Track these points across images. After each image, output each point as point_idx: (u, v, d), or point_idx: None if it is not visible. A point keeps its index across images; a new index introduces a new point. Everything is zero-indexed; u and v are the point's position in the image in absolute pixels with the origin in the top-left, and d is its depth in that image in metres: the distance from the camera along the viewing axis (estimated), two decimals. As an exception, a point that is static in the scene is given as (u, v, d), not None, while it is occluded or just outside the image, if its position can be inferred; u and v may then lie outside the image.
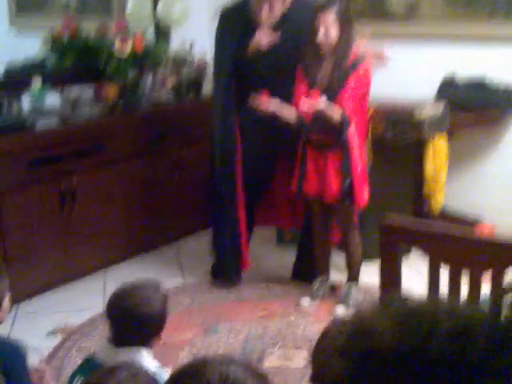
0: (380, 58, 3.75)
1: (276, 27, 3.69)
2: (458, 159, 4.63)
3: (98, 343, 3.30)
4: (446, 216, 4.58)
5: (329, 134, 3.57)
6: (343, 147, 3.54)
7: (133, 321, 2.24)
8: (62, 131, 4.04)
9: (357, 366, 0.98)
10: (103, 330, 3.35)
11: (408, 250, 3.77)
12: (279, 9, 3.66)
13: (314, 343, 1.64)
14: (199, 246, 4.69)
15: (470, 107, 4.42)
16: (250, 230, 4.12)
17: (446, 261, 2.17)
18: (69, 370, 3.03)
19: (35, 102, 4.16)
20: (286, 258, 4.32)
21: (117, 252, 4.38)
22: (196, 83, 4.85)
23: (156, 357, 2.29)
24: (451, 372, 0.92)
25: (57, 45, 4.78)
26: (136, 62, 4.59)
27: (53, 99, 4.25)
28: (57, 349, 3.46)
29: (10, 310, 2.65)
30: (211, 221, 4.17)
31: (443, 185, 4.27)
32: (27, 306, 3.89)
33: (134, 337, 2.25)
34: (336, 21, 3.46)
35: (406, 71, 4.69)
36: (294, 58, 3.62)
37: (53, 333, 3.59)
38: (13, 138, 3.84)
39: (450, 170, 4.39)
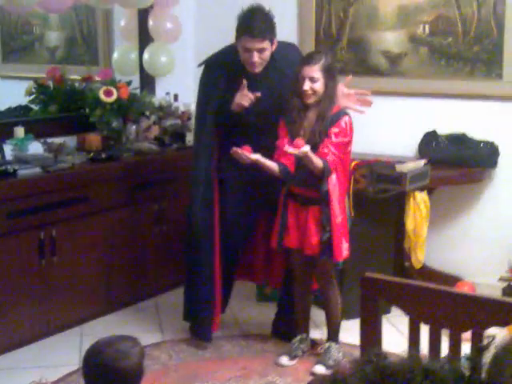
0: (363, 101, 3.76)
1: (262, 74, 3.73)
2: (440, 215, 4.65)
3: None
4: (426, 272, 4.59)
5: (311, 187, 3.58)
6: (324, 199, 3.55)
7: (109, 375, 2.20)
8: (43, 180, 4.02)
9: None
10: (79, 385, 3.29)
11: (389, 308, 3.77)
12: (267, 56, 3.69)
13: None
14: (178, 301, 4.63)
15: (452, 164, 4.47)
16: (229, 285, 4.10)
17: (426, 321, 2.17)
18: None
19: (18, 150, 4.15)
20: (265, 315, 4.29)
21: (95, 306, 4.33)
22: (180, 134, 4.87)
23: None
24: None
25: (42, 92, 4.81)
26: (120, 111, 4.61)
27: (35, 148, 4.24)
28: (32, 405, 3.38)
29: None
30: (186, 274, 4.11)
31: (424, 240, 4.29)
32: (2, 362, 3.82)
33: (110, 392, 2.21)
34: (321, 74, 3.50)
35: (388, 126, 4.76)
36: (280, 105, 3.65)
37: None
38: (-6, 186, 3.82)
39: (432, 227, 4.42)
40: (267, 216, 3.92)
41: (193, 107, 5.07)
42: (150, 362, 3.79)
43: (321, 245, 3.58)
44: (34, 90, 4.80)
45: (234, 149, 3.51)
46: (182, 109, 5.04)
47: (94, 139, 4.53)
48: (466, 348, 2.09)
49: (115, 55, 5.11)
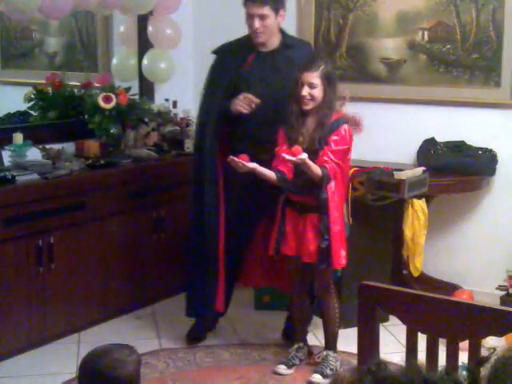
0: (356, 125, 3.78)
1: (269, 54, 3.77)
2: (438, 223, 4.65)
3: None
4: (425, 280, 4.58)
5: (309, 195, 3.57)
6: (322, 207, 3.54)
7: None
8: (41, 187, 4.01)
9: None
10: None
11: (387, 317, 3.77)
12: (270, 24, 3.70)
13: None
14: (176, 309, 4.63)
15: (450, 171, 4.47)
16: (230, 290, 4.09)
17: (424, 330, 2.16)
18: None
19: (16, 156, 4.14)
20: (263, 323, 4.28)
21: (92, 314, 4.32)
22: (178, 140, 4.87)
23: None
24: None
25: (41, 98, 4.81)
26: (119, 117, 4.61)
27: (34, 154, 4.24)
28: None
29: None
30: (188, 278, 4.11)
31: (422, 248, 4.28)
32: (-1, 370, 3.82)
33: (106, 400, 2.20)
34: (320, 81, 3.50)
35: (387, 133, 4.75)
36: (286, 89, 3.66)
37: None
38: (-8, 192, 3.82)
39: (430, 235, 4.41)
40: (266, 223, 3.91)
41: (192, 113, 5.07)
42: (148, 370, 3.77)
43: (319, 253, 3.57)
44: (32, 96, 4.80)
45: (231, 157, 3.51)
46: (180, 115, 5.04)
47: (92, 146, 4.53)
48: (463, 357, 2.09)
49: (114, 61, 5.11)
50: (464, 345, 2.11)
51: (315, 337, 4.10)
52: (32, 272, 3.96)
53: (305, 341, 3.90)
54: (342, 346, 3.84)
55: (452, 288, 4.48)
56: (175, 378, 3.75)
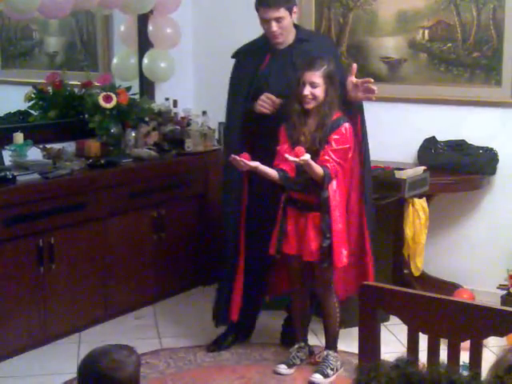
0: (368, 89, 3.63)
1: (287, 51, 3.75)
2: (439, 223, 4.65)
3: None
4: (425, 279, 4.58)
5: (311, 193, 3.57)
6: (324, 206, 3.54)
7: None
8: (42, 186, 4.01)
9: None
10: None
11: (387, 316, 3.76)
12: (286, 25, 3.69)
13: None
14: (177, 309, 4.64)
15: (451, 171, 4.47)
16: (260, 297, 4.03)
17: (425, 330, 2.16)
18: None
19: (17, 156, 4.14)
20: (264, 323, 4.27)
21: (93, 314, 4.32)
22: (179, 140, 4.86)
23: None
24: None
25: (41, 98, 4.81)
26: (120, 116, 4.61)
27: (34, 154, 4.24)
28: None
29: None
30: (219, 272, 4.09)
31: (423, 247, 4.28)
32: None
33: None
34: (322, 80, 3.50)
35: (387, 132, 4.75)
36: None
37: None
38: (-7, 192, 3.82)
39: (431, 234, 4.41)
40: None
41: (192, 112, 5.07)
42: (148, 370, 3.78)
43: (320, 251, 3.57)
44: (33, 96, 4.80)
45: (232, 156, 3.51)
46: (181, 114, 5.04)
47: (93, 145, 4.52)
48: (464, 357, 2.09)
49: (115, 61, 5.11)
50: (465, 345, 2.11)
51: (316, 337, 4.10)
52: (32, 272, 3.96)
53: (305, 340, 3.90)
54: (342, 345, 3.84)
55: (453, 287, 4.48)
56: (176, 377, 3.75)
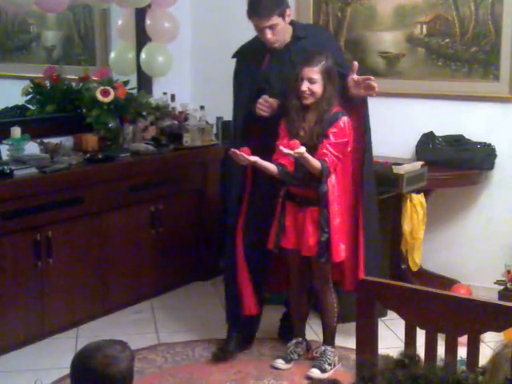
0: (368, 87, 3.63)
1: (284, 51, 3.72)
2: (436, 218, 4.65)
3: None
4: (423, 275, 4.58)
5: (309, 188, 3.57)
6: (322, 201, 3.54)
7: (98, 381, 2.17)
8: (39, 181, 4.00)
9: None
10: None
11: (385, 311, 3.76)
12: (281, 30, 3.66)
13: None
14: (174, 303, 4.64)
15: (449, 166, 4.47)
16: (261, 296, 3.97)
17: (422, 325, 2.16)
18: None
19: (14, 150, 4.14)
20: (262, 318, 4.26)
21: (90, 308, 4.31)
22: (177, 134, 4.86)
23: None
24: None
25: (38, 92, 4.80)
26: (117, 111, 4.60)
27: (32, 148, 4.23)
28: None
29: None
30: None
31: (421, 242, 4.28)
32: (-2, 365, 3.82)
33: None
34: (320, 76, 3.50)
35: (385, 127, 4.73)
36: None
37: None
38: (-10, 186, 3.81)
39: (428, 229, 4.41)
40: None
41: (190, 107, 5.07)
42: (146, 365, 3.79)
43: (319, 246, 3.57)
44: (30, 90, 4.79)
45: (232, 150, 3.50)
46: (179, 109, 5.03)
47: (90, 139, 4.52)
48: (462, 352, 2.10)
49: (112, 55, 5.10)
50: (463, 340, 2.11)
51: (313, 332, 4.10)
52: (30, 266, 3.96)
53: (303, 336, 3.90)
54: (340, 340, 3.84)
55: (450, 282, 4.48)
56: (173, 372, 3.75)
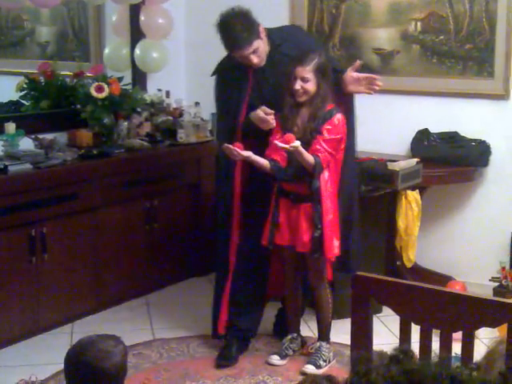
0: (371, 83, 3.64)
1: (267, 63, 3.68)
2: (431, 214, 4.65)
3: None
4: (418, 271, 4.59)
5: (302, 184, 3.57)
6: (315, 196, 3.54)
7: (92, 376, 2.17)
8: (34, 177, 4.00)
9: None
10: None
11: (380, 308, 3.78)
12: (263, 50, 3.64)
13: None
14: (169, 299, 4.64)
15: (443, 163, 4.47)
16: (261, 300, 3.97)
17: (417, 321, 2.17)
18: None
19: (8, 146, 4.13)
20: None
21: (85, 304, 4.32)
22: (171, 130, 4.86)
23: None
24: None
25: (33, 88, 4.79)
26: (112, 107, 4.59)
27: (26, 144, 4.23)
28: (21, 403, 3.37)
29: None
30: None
31: (416, 239, 4.29)
32: (-8, 360, 3.81)
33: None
34: (313, 74, 3.50)
35: (380, 124, 4.75)
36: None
37: (18, 387, 3.50)
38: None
39: (423, 226, 4.42)
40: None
41: (184, 103, 5.06)
42: (141, 360, 3.79)
43: (312, 242, 3.57)
44: (24, 86, 4.78)
45: (226, 145, 3.50)
46: (173, 105, 5.03)
47: (85, 135, 4.51)
48: (456, 348, 2.10)
49: (107, 51, 5.09)
50: (457, 336, 2.12)
51: (309, 328, 4.11)
52: (25, 262, 3.96)
53: (298, 332, 3.91)
54: (335, 336, 3.85)
55: (445, 279, 4.49)
56: (168, 368, 3.76)
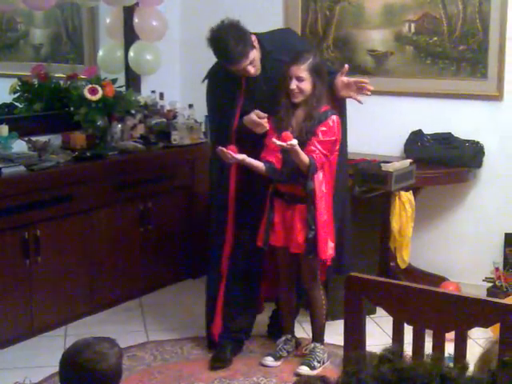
0: (361, 89, 3.65)
1: (261, 71, 3.68)
2: (425, 215, 4.66)
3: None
4: (412, 272, 4.59)
5: (297, 185, 3.57)
6: (309, 197, 3.54)
7: (87, 377, 2.17)
8: (27, 179, 4.00)
9: None
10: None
11: (374, 309, 3.77)
12: (258, 59, 3.63)
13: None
14: (163, 301, 4.64)
15: (437, 164, 4.48)
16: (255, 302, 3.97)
17: (410, 321, 2.17)
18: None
19: (2, 148, 4.12)
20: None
21: (79, 307, 4.31)
22: (165, 132, 4.85)
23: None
24: None
25: (26, 90, 4.78)
26: (105, 109, 4.59)
27: (20, 146, 4.22)
28: (15, 405, 3.36)
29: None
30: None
31: (409, 240, 4.29)
32: (-14, 363, 3.80)
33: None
34: (308, 74, 3.50)
35: (374, 126, 4.76)
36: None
37: (12, 390, 3.49)
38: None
39: (417, 227, 4.42)
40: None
41: (178, 105, 5.06)
42: (135, 362, 3.79)
43: (306, 243, 3.57)
44: (18, 88, 4.77)
45: (220, 148, 3.50)
46: (167, 107, 5.02)
47: (78, 138, 4.50)
48: (449, 348, 2.10)
49: (100, 53, 5.08)
50: (450, 336, 2.12)
51: (303, 329, 4.11)
52: (18, 265, 3.95)
53: (292, 333, 3.91)
54: (329, 338, 3.85)
55: (439, 280, 4.50)
56: (162, 370, 3.75)
